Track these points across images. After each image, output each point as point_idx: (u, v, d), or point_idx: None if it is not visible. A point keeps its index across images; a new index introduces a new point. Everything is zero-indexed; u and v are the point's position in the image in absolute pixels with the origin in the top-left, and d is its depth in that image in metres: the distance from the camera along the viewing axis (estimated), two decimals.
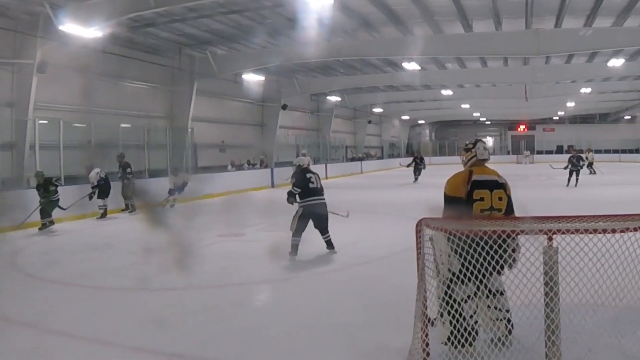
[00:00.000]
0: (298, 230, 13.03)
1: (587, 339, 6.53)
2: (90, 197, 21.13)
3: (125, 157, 23.00)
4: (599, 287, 5.69)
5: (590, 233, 5.34)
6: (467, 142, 7.53)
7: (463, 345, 6.25)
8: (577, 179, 34.34)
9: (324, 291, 10.32)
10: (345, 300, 9.60)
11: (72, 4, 20.59)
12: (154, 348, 7.21)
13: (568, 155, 36.31)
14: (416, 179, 41.35)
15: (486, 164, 7.38)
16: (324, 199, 13.34)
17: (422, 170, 41.79)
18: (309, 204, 13.12)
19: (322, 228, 13.38)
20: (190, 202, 24.88)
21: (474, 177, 6.98)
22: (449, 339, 6.32)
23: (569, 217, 6.08)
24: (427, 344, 6.05)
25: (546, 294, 5.15)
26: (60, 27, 20.39)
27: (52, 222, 19.35)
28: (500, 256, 5.93)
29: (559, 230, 5.19)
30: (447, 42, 30.44)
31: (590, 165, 42.27)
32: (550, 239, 5.12)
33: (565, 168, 34.86)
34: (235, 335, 7.79)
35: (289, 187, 13.48)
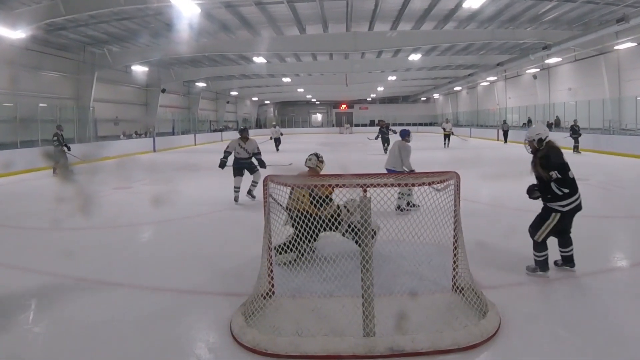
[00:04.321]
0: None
1: (392, 267, 6.66)
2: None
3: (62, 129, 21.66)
4: (401, 227, 5.71)
5: (395, 186, 5.37)
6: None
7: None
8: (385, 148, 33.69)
9: (194, 230, 10.28)
10: (209, 237, 9.70)
11: (1, 12, 20.33)
12: (63, 273, 7.18)
13: (378, 127, 35.23)
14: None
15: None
16: None
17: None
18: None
19: None
20: (92, 163, 24.45)
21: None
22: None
23: (379, 174, 6.10)
24: (271, 270, 5.98)
25: (361, 233, 5.03)
26: None
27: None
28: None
29: (371, 185, 5.18)
30: (286, 41, 30.88)
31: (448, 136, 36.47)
32: (365, 190, 5.06)
33: (377, 138, 31.61)
34: (124, 263, 7.83)
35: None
